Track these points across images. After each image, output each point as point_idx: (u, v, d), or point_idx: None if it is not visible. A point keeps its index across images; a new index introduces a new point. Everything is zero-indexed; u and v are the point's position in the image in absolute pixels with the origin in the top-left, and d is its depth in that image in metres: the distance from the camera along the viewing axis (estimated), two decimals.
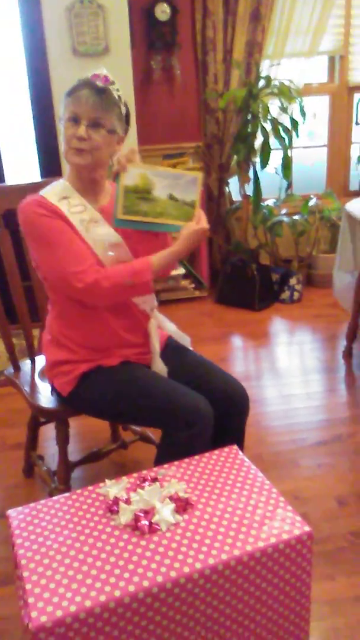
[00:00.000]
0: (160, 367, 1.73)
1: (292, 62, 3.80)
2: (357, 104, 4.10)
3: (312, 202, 3.87)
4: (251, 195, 3.71)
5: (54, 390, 1.78)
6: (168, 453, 1.54)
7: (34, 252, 1.63)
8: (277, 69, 3.73)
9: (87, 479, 2.16)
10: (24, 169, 3.57)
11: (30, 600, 1.08)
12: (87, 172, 1.63)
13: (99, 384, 1.66)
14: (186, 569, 1.13)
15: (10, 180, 3.39)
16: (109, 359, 1.68)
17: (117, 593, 1.09)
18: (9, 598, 1.63)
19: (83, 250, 1.58)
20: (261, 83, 3.58)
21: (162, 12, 3.52)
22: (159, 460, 1.56)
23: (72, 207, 1.61)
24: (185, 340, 1.85)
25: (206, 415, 1.57)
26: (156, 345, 1.74)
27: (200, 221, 1.62)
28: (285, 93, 3.49)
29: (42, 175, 3.36)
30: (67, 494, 1.38)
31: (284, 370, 3.04)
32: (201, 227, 1.62)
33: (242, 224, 3.87)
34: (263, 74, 3.63)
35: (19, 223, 1.63)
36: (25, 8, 3.09)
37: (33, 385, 1.92)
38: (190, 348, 1.85)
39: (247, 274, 3.72)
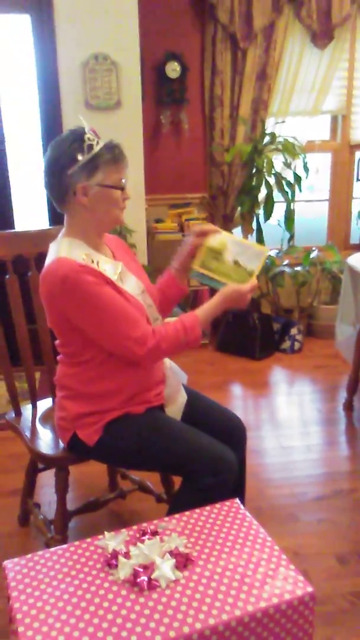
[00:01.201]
0: (183, 398, 1.78)
1: (296, 120, 3.93)
2: (358, 161, 4.22)
3: (313, 254, 3.93)
4: None
5: (72, 442, 1.71)
6: (189, 499, 1.54)
7: (83, 318, 1.56)
8: (282, 126, 3.86)
9: (83, 528, 2.12)
10: (32, 217, 3.64)
11: None
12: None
13: (127, 431, 1.66)
14: (186, 629, 1.10)
15: (20, 226, 3.46)
16: (135, 406, 1.68)
17: None
18: None
19: (136, 314, 1.59)
20: (266, 139, 3.70)
21: (173, 70, 3.67)
22: (177, 505, 1.56)
23: (101, 264, 1.60)
24: (182, 376, 1.87)
25: (232, 463, 1.63)
26: (175, 379, 1.80)
27: (243, 286, 1.68)
28: (289, 149, 3.60)
29: (51, 223, 3.43)
30: (64, 546, 1.36)
31: (284, 420, 3.02)
32: (242, 288, 1.67)
33: None
34: (268, 131, 3.76)
35: (50, 287, 1.55)
36: (42, 61, 3.22)
37: (34, 431, 1.91)
38: (185, 383, 1.90)
39: (249, 322, 3.74)
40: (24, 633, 1.10)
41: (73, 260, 1.54)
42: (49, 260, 1.61)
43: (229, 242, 1.74)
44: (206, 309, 1.69)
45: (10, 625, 1.19)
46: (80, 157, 1.53)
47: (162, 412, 1.73)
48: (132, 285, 1.68)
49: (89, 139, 1.54)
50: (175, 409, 1.76)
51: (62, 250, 1.58)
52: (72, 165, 1.53)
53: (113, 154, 1.57)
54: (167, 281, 1.83)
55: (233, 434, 1.78)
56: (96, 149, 1.55)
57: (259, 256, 1.72)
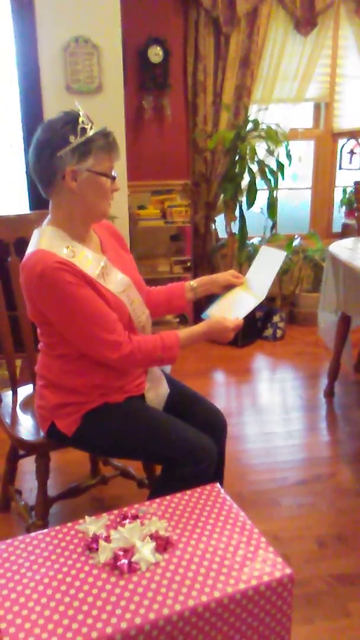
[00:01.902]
0: (164, 390, 1.77)
1: (279, 108, 3.92)
2: (341, 149, 4.23)
3: (296, 242, 3.95)
4: (237, 233, 3.77)
5: (52, 429, 1.69)
6: (169, 487, 1.53)
7: (58, 317, 1.54)
8: (265, 113, 3.85)
9: (65, 514, 2.12)
10: (11, 202, 3.60)
11: None
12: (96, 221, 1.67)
13: (106, 421, 1.65)
14: (165, 611, 1.11)
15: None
16: (114, 395, 1.67)
17: (94, 634, 1.06)
18: None
19: (113, 317, 1.56)
20: (249, 126, 3.69)
21: (155, 54, 3.63)
22: (157, 493, 1.54)
23: (82, 258, 1.56)
24: (166, 367, 1.87)
25: (212, 452, 1.62)
26: (157, 370, 1.79)
27: (229, 320, 1.67)
28: (272, 137, 3.60)
29: (31, 208, 3.39)
30: (45, 530, 1.35)
31: (266, 407, 3.04)
32: (226, 323, 1.66)
33: (227, 261, 3.92)
34: (251, 118, 3.75)
35: (28, 281, 1.52)
36: (22, 44, 3.17)
37: (14, 417, 1.90)
38: (168, 373, 1.91)
39: None
40: (3, 617, 1.10)
41: (53, 255, 1.50)
42: (29, 249, 1.57)
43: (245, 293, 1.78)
44: (189, 333, 1.67)
45: None
46: (72, 139, 1.49)
47: (143, 402, 1.72)
48: (116, 281, 1.63)
49: (82, 122, 1.50)
50: (156, 399, 1.75)
51: (44, 241, 1.54)
52: (64, 146, 1.48)
53: (107, 141, 1.53)
54: (178, 292, 1.83)
55: (214, 427, 1.76)
56: (90, 133, 1.50)
57: (252, 301, 1.75)
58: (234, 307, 1.73)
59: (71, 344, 1.59)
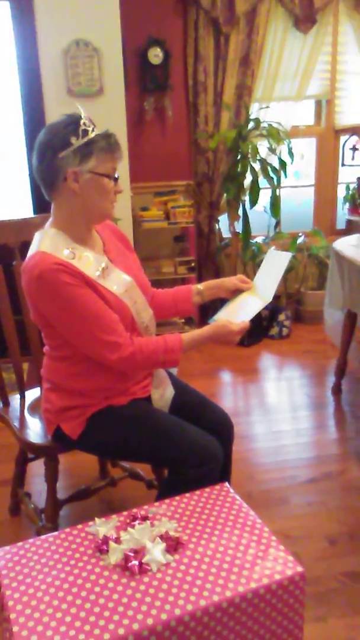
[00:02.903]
0: (170, 392, 1.76)
1: (281, 106, 3.92)
2: (343, 145, 4.22)
3: (300, 240, 3.94)
4: (240, 232, 3.77)
5: (58, 432, 1.70)
6: (176, 489, 1.52)
7: (57, 318, 1.55)
8: (266, 111, 3.84)
9: (74, 516, 2.12)
10: (14, 206, 3.60)
11: None
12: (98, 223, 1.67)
13: (111, 424, 1.64)
14: (177, 611, 1.11)
15: (2, 215, 3.43)
16: (119, 397, 1.67)
17: (107, 636, 1.06)
18: None
19: (113, 318, 1.55)
20: (250, 125, 3.69)
21: (155, 56, 3.63)
22: (164, 495, 1.54)
23: (83, 260, 1.56)
24: (172, 368, 1.87)
25: (218, 454, 1.61)
26: (163, 372, 1.79)
27: (234, 324, 1.65)
28: (274, 135, 3.59)
29: (35, 211, 3.40)
30: (55, 533, 1.36)
31: (273, 406, 3.03)
32: (231, 326, 1.64)
33: (231, 260, 3.92)
34: (252, 116, 3.74)
35: (28, 283, 1.52)
36: (23, 48, 3.18)
37: (22, 421, 1.90)
38: (175, 374, 1.90)
39: None
40: (16, 620, 1.10)
41: (53, 257, 1.51)
42: (30, 251, 1.58)
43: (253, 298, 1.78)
44: (193, 337, 1.65)
45: (1, 613, 1.19)
46: (74, 141, 1.49)
47: (148, 404, 1.72)
48: (117, 281, 1.63)
49: (84, 124, 1.51)
50: (161, 401, 1.75)
51: (44, 243, 1.55)
52: (65, 148, 1.49)
53: (108, 142, 1.53)
54: (184, 295, 1.83)
55: (221, 430, 1.75)
56: (91, 134, 1.51)
57: (259, 304, 1.75)
58: (240, 311, 1.73)
59: (73, 346, 1.59)
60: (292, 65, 3.85)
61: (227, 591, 1.16)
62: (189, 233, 3.91)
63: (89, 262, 1.57)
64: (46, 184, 1.56)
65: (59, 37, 3.12)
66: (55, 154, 1.50)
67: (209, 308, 3.89)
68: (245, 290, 1.79)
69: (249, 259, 3.84)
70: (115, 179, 1.58)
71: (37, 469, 2.25)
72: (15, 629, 1.08)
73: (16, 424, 1.89)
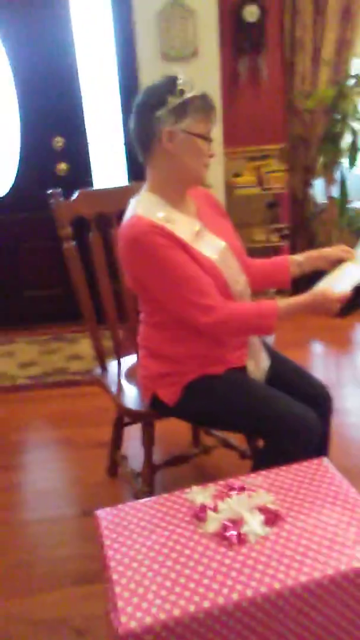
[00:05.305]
0: (265, 362, 1.73)
1: None
2: None
3: None
4: (337, 197, 3.60)
5: (155, 399, 1.72)
6: (272, 461, 1.50)
7: (151, 280, 1.56)
8: None
9: (169, 482, 2.16)
10: (110, 175, 3.63)
11: (120, 604, 1.08)
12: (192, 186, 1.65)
13: (206, 393, 1.64)
14: (277, 585, 1.10)
15: (98, 184, 3.48)
16: (215, 366, 1.66)
17: (206, 604, 1.07)
18: (98, 597, 1.64)
19: (207, 281, 1.55)
20: (351, 82, 3.47)
21: (251, 13, 3.49)
22: (260, 467, 1.53)
23: (177, 223, 1.57)
24: (269, 337, 1.83)
25: (316, 426, 1.58)
26: (258, 342, 1.76)
27: (334, 294, 1.57)
28: None
29: (130, 179, 3.42)
30: (154, 497, 1.38)
31: None
32: (329, 294, 1.57)
33: (327, 227, 3.76)
34: (353, 73, 3.52)
35: (124, 247, 1.56)
36: (118, 11, 3.16)
37: (120, 387, 1.95)
38: (271, 345, 1.86)
39: None
40: (118, 580, 1.14)
41: (147, 220, 1.52)
42: (126, 216, 1.60)
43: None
44: (290, 304, 1.59)
45: (104, 572, 1.23)
46: (170, 100, 1.50)
47: (244, 374, 1.70)
48: (211, 246, 1.62)
49: (181, 83, 1.51)
50: (257, 371, 1.72)
51: (140, 207, 1.57)
52: (161, 107, 1.51)
53: (204, 102, 1.53)
54: (282, 266, 1.77)
55: (319, 401, 1.71)
56: (188, 94, 1.51)
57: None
58: (340, 280, 1.65)
59: (168, 310, 1.59)
60: None
61: (328, 568, 1.13)
62: (282, 199, 3.78)
63: (182, 225, 1.57)
64: (142, 145, 1.57)
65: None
66: (152, 112, 1.51)
67: (306, 281, 3.79)
68: (348, 260, 1.71)
69: (346, 226, 3.67)
70: (210, 141, 1.56)
71: (133, 432, 2.30)
72: (117, 589, 1.12)
73: (113, 389, 1.93)
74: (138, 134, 1.57)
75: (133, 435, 2.31)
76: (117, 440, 2.15)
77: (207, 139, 1.56)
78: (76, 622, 1.63)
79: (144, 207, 1.57)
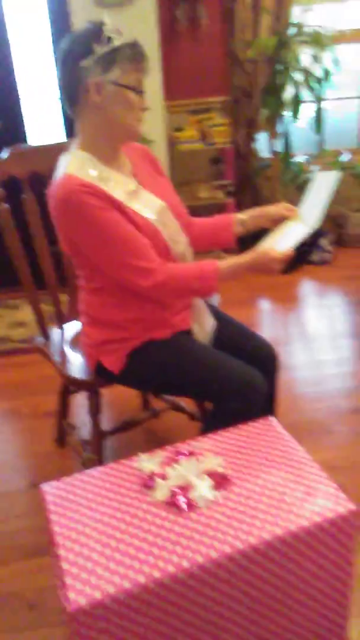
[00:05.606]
0: (210, 324, 1.70)
1: (325, 7, 3.57)
2: None
3: (343, 158, 3.70)
4: (281, 151, 3.56)
5: (99, 367, 1.67)
6: (220, 422, 1.49)
7: (86, 243, 1.48)
8: (309, 15, 3.51)
9: (119, 448, 2.14)
10: (46, 131, 3.45)
11: (68, 581, 1.05)
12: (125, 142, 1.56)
13: (152, 358, 1.60)
14: (227, 549, 1.10)
15: (34, 141, 3.30)
16: (159, 330, 1.62)
17: (157, 574, 1.06)
18: (50, 569, 1.62)
19: (143, 242, 1.48)
20: (292, 30, 3.38)
21: None
22: (209, 429, 1.51)
23: (111, 182, 1.49)
24: (214, 299, 1.79)
25: (260, 386, 1.55)
26: (202, 303, 1.72)
27: (277, 252, 1.53)
28: (318, 40, 3.29)
29: (68, 135, 3.26)
30: (101, 468, 1.35)
31: (315, 334, 2.95)
32: (272, 253, 1.52)
33: (271, 183, 3.73)
34: (294, 21, 3.43)
35: (54, 208, 1.48)
36: None
37: (63, 355, 1.88)
38: (217, 306, 1.83)
39: None
40: (65, 556, 1.11)
41: (78, 179, 1.44)
42: (56, 175, 1.51)
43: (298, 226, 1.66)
44: (231, 264, 1.54)
45: (51, 548, 1.20)
46: (97, 49, 1.39)
47: (189, 337, 1.66)
48: (148, 205, 1.55)
49: (108, 30, 1.39)
50: (202, 333, 1.69)
51: (71, 165, 1.48)
52: (87, 56, 1.39)
53: (134, 51, 1.42)
54: (225, 224, 1.72)
55: (265, 361, 1.70)
56: (116, 42, 1.39)
57: (304, 230, 1.62)
58: (283, 239, 1.62)
59: (105, 274, 1.53)
60: None
61: (277, 529, 1.13)
62: (226, 155, 3.71)
63: (117, 184, 1.49)
64: (69, 98, 1.47)
65: None
66: (76, 62, 1.40)
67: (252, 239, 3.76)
68: (291, 219, 1.68)
69: (290, 181, 3.64)
70: (142, 93, 1.46)
71: (81, 399, 2.26)
72: (65, 566, 1.09)
73: (57, 358, 1.87)
74: (64, 86, 1.45)
75: (81, 402, 2.27)
76: (63, 410, 2.10)
77: (138, 91, 1.46)
78: (28, 596, 1.61)
79: (74, 165, 1.47)
